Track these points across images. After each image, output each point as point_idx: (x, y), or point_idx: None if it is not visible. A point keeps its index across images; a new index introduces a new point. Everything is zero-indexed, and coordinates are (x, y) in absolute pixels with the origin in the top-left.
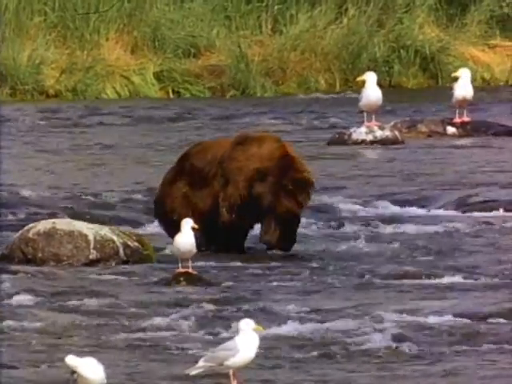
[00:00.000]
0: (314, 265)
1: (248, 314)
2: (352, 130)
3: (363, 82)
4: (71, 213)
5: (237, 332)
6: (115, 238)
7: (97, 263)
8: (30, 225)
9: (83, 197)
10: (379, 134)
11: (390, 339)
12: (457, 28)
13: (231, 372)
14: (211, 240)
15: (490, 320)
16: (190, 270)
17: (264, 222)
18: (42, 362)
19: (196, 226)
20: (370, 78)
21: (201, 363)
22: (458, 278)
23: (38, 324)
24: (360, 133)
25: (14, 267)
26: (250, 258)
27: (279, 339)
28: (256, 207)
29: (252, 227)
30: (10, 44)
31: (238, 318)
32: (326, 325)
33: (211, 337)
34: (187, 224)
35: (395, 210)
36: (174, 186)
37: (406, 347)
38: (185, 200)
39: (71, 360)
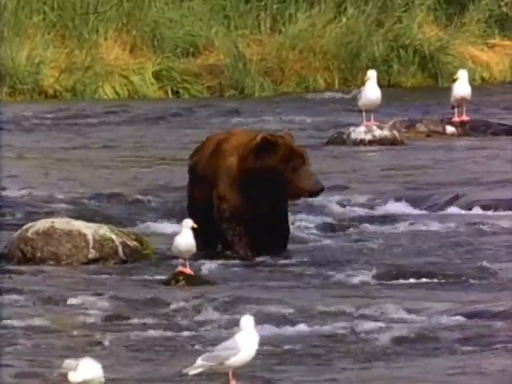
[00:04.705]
0: (314, 264)
1: (247, 313)
2: (351, 129)
3: (365, 81)
4: (70, 212)
5: (237, 330)
6: (114, 237)
7: (96, 262)
8: (29, 224)
9: (82, 196)
10: (378, 133)
11: (391, 339)
12: (456, 27)
13: (231, 372)
14: (214, 239)
15: (493, 320)
16: (189, 270)
17: None
18: (41, 361)
19: (195, 226)
20: (372, 77)
21: (199, 362)
22: (459, 278)
23: (36, 323)
24: (359, 132)
25: (12, 267)
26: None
27: (279, 338)
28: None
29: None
30: (8, 43)
31: (238, 317)
32: (327, 324)
33: (211, 336)
34: (187, 224)
35: (394, 209)
36: (188, 183)
37: (406, 347)
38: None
39: (74, 378)
